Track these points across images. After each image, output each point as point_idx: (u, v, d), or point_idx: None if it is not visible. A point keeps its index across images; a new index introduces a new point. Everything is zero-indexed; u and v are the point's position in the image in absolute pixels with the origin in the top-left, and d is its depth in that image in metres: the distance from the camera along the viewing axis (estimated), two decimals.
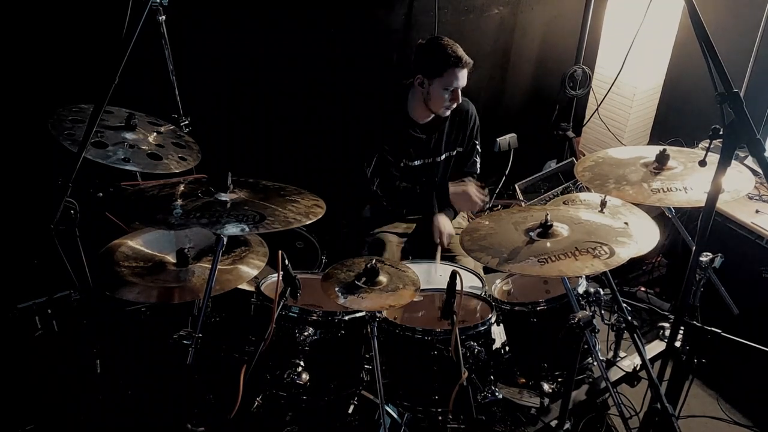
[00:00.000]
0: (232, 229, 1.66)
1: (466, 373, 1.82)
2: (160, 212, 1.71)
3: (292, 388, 1.93)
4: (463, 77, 2.47)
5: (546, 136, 3.67)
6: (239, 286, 1.96)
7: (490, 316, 2.03)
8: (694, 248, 1.55)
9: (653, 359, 2.37)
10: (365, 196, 2.66)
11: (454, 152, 2.74)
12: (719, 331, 1.85)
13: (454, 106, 2.55)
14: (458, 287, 1.79)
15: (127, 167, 1.93)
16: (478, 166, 2.84)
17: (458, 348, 1.82)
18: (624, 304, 1.98)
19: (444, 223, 2.65)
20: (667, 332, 2.51)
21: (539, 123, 3.66)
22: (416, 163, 2.67)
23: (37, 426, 2.22)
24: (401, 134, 2.61)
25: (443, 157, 2.71)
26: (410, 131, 2.62)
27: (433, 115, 2.61)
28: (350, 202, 2.76)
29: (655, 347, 2.47)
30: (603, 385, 2.26)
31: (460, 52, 2.44)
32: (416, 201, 2.70)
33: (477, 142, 2.79)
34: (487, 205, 2.69)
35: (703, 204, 1.50)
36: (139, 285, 1.88)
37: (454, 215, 2.77)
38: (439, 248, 2.58)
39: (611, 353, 2.47)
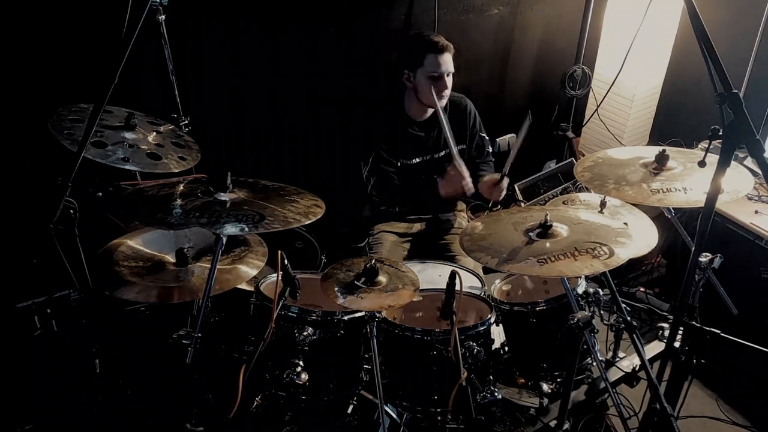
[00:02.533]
0: (231, 229, 1.66)
1: (466, 374, 1.82)
2: (160, 212, 1.71)
3: (292, 388, 1.93)
4: (444, 62, 2.45)
5: (546, 136, 3.67)
6: (238, 286, 1.96)
7: (489, 316, 2.03)
8: (693, 248, 1.55)
9: (652, 359, 2.37)
10: (362, 196, 2.67)
11: (456, 149, 2.73)
12: (718, 331, 1.85)
13: (446, 93, 2.52)
14: (458, 287, 1.79)
15: (127, 167, 1.93)
16: (490, 150, 2.85)
17: (458, 348, 1.82)
18: (623, 305, 1.98)
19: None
20: (667, 332, 2.51)
21: (539, 123, 3.66)
22: (415, 161, 2.67)
23: (36, 426, 2.22)
24: (400, 133, 2.61)
25: (442, 153, 2.71)
26: (408, 129, 2.62)
27: (430, 112, 2.60)
28: (349, 201, 2.76)
29: (655, 347, 2.47)
30: (602, 385, 2.26)
31: (437, 38, 2.44)
32: (413, 199, 2.70)
33: (483, 134, 2.79)
34: (468, 180, 2.60)
35: (702, 204, 1.50)
36: (139, 285, 1.88)
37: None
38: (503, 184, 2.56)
39: (610, 353, 2.47)
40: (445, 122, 2.51)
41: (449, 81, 2.51)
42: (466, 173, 2.55)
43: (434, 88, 2.48)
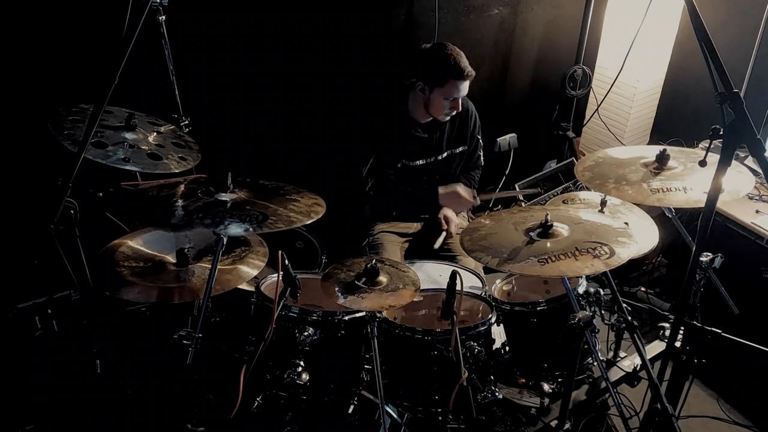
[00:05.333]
0: (235, 230, 1.66)
1: (466, 373, 1.82)
2: (161, 212, 1.71)
3: (292, 388, 1.93)
4: (464, 88, 2.47)
5: (546, 136, 3.67)
6: (239, 286, 1.96)
7: (490, 316, 2.03)
8: (694, 248, 1.55)
9: (653, 359, 2.37)
10: (359, 196, 2.66)
11: (458, 150, 2.74)
12: (719, 331, 1.85)
13: (454, 113, 2.56)
14: (458, 287, 1.79)
15: (127, 167, 1.93)
16: (482, 159, 2.87)
17: (458, 348, 1.82)
18: (624, 304, 1.98)
19: (451, 213, 2.68)
20: (667, 332, 2.50)
21: (539, 123, 3.66)
22: (418, 162, 2.67)
23: (37, 426, 2.22)
24: (402, 134, 2.61)
25: (444, 155, 2.71)
26: (411, 131, 2.62)
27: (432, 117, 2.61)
28: (345, 202, 2.75)
29: (655, 347, 2.47)
30: (603, 385, 2.26)
31: (463, 63, 2.43)
32: (411, 203, 2.70)
33: (479, 137, 2.80)
34: (477, 204, 2.72)
35: (702, 204, 1.50)
36: (139, 285, 1.88)
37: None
38: (443, 235, 2.59)
39: (611, 353, 2.46)
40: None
41: (461, 102, 2.53)
42: (473, 201, 2.66)
43: (446, 108, 2.51)
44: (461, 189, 2.66)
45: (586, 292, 2.10)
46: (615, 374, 2.35)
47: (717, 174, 1.42)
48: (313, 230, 2.59)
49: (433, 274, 2.33)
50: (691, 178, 1.86)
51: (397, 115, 2.61)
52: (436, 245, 2.58)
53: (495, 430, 2.21)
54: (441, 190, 2.67)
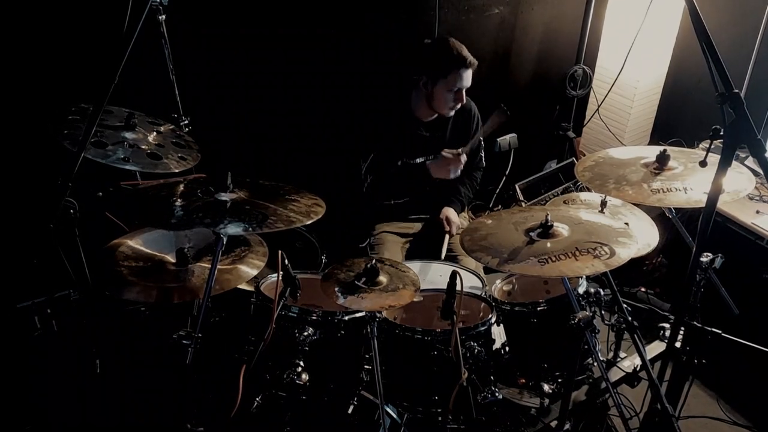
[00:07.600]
0: (234, 229, 1.66)
1: (466, 374, 1.82)
2: (161, 212, 1.71)
3: (292, 388, 1.93)
4: (467, 78, 2.47)
5: (546, 136, 3.67)
6: (239, 286, 1.95)
7: (490, 316, 2.03)
8: (694, 249, 1.55)
9: (653, 360, 2.37)
10: (359, 192, 2.66)
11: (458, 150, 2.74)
12: (719, 331, 1.85)
13: (459, 106, 2.55)
14: (458, 287, 1.79)
15: (127, 167, 1.93)
16: (484, 160, 2.87)
17: (458, 348, 1.82)
18: (624, 305, 1.98)
19: (452, 213, 2.68)
20: (668, 333, 2.50)
21: (539, 123, 3.66)
22: (418, 160, 2.67)
23: (36, 426, 2.22)
24: (404, 132, 2.61)
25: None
26: (414, 129, 2.62)
27: (436, 114, 2.61)
28: (345, 200, 2.75)
29: (656, 348, 2.46)
30: (603, 385, 2.25)
31: (465, 52, 2.45)
32: (404, 180, 2.69)
33: (481, 138, 2.79)
34: (464, 158, 2.64)
35: (703, 204, 1.50)
36: (139, 285, 1.88)
37: (461, 209, 2.78)
38: (446, 239, 2.60)
39: (611, 354, 2.47)
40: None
41: (464, 94, 2.53)
42: (459, 160, 2.59)
43: (451, 101, 2.50)
44: (444, 152, 2.63)
45: (586, 292, 2.10)
46: (615, 375, 2.35)
47: (717, 174, 1.42)
48: (313, 230, 2.59)
49: (433, 274, 2.33)
50: (691, 179, 1.86)
51: (398, 112, 2.61)
52: (442, 254, 2.56)
53: (495, 430, 2.21)
54: (431, 162, 2.65)
